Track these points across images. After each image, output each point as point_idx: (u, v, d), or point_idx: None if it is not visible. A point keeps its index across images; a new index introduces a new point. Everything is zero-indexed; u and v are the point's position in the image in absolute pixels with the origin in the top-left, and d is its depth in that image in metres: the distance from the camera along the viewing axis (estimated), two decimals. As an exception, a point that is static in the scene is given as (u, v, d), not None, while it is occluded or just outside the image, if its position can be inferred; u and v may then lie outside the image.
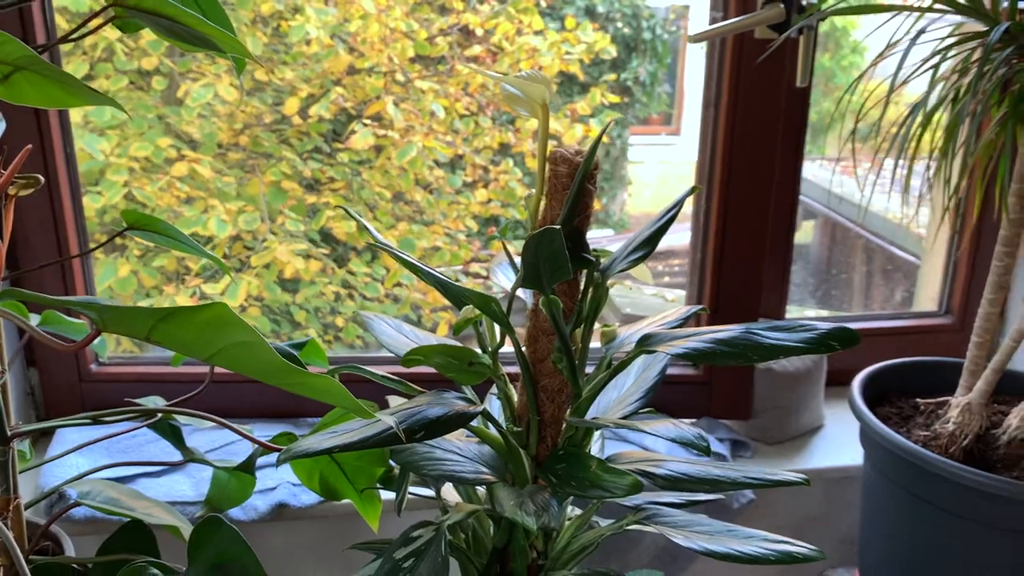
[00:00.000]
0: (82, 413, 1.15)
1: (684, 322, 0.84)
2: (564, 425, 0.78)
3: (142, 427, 0.93)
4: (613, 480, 0.70)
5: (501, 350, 0.79)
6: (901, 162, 0.94)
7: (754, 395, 1.18)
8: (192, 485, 1.06)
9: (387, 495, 0.92)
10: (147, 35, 2.46)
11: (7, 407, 0.72)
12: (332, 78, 2.82)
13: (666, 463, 0.73)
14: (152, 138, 2.46)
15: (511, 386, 0.81)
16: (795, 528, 1.19)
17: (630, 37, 4.14)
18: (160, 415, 0.93)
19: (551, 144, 0.72)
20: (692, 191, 0.79)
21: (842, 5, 0.89)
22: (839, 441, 1.21)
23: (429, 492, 0.87)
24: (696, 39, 1.00)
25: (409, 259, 0.76)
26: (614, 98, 2.95)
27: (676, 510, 0.81)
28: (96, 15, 0.65)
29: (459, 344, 0.79)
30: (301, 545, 1.10)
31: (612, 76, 3.52)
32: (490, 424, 0.78)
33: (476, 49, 2.93)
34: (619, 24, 4.19)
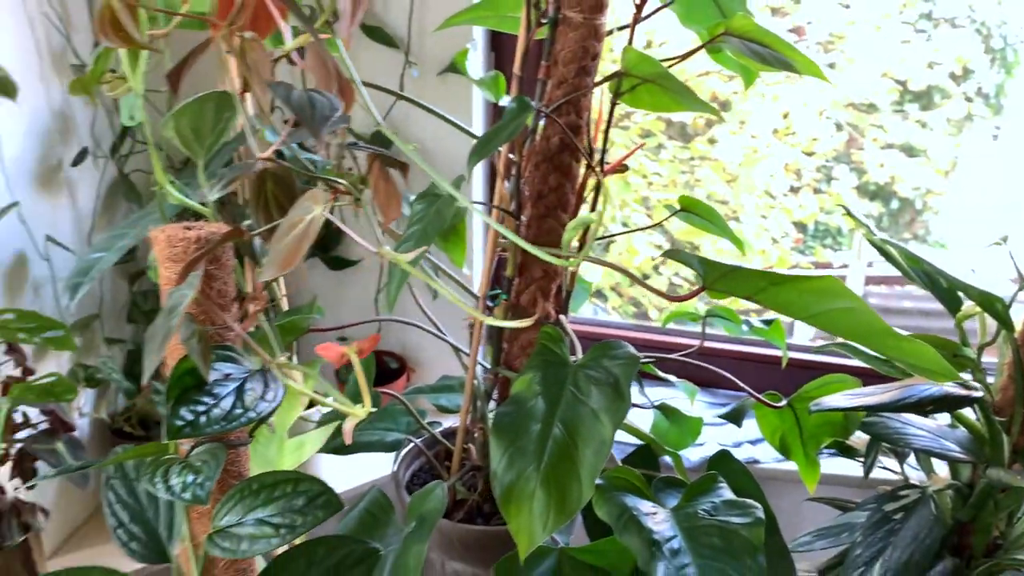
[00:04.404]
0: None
1: None
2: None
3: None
4: (1108, 475, 0.77)
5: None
6: None
7: None
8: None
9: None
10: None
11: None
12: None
13: None
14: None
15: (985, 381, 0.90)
16: None
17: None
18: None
19: None
20: None
21: None
22: None
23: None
24: None
25: (914, 254, 0.87)
26: (988, 109, 2.84)
27: None
28: (707, 44, 0.83)
29: (945, 337, 0.89)
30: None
31: (974, 85, 3.35)
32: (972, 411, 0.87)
33: (831, 56, 2.94)
34: (965, 30, 3.96)
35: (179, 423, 0.51)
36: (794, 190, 3.34)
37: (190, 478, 0.51)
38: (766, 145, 2.94)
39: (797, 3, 2.95)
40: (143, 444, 0.60)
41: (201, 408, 0.52)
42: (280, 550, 0.62)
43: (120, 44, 0.46)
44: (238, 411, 0.53)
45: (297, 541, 0.64)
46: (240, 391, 0.54)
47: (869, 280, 3.55)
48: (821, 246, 4.01)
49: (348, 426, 0.51)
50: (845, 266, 3.74)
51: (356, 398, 0.51)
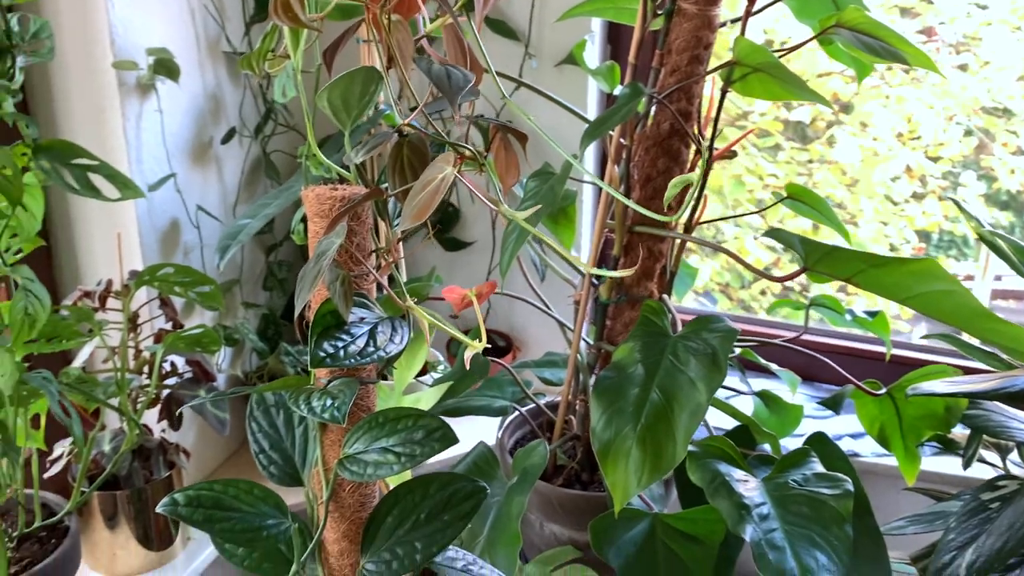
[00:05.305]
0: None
1: None
2: None
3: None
4: None
5: None
6: None
7: None
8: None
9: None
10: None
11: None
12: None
13: None
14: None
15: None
16: None
17: None
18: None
19: None
20: None
21: None
22: None
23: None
24: None
25: (1024, 249, 0.87)
26: None
27: None
28: (819, 35, 0.85)
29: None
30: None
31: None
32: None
33: (962, 58, 2.84)
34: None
35: (322, 354, 0.59)
36: (917, 196, 3.23)
37: (328, 402, 0.59)
38: (888, 149, 2.87)
39: (930, 3, 2.85)
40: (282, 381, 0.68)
41: (340, 344, 0.60)
42: (398, 479, 0.69)
43: (289, 23, 0.54)
44: (371, 349, 0.60)
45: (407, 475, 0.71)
46: (373, 332, 0.62)
47: (996, 294, 3.40)
48: (945, 256, 3.84)
49: (468, 354, 0.57)
50: (970, 278, 3.59)
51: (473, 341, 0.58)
